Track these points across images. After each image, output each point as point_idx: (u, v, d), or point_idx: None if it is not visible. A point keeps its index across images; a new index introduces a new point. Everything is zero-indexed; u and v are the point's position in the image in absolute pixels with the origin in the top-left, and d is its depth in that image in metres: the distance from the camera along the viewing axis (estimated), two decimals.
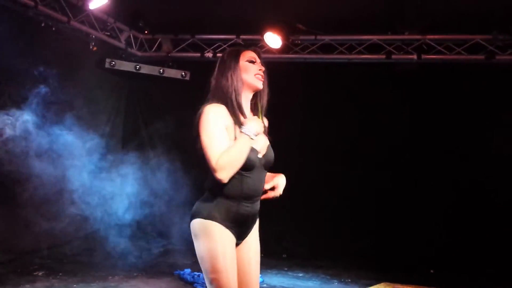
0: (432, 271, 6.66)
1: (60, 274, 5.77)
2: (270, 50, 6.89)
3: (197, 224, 2.47)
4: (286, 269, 6.58)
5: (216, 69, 2.63)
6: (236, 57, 2.61)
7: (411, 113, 7.07)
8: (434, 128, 7.02)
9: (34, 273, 5.71)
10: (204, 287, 5.45)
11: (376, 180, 7.07)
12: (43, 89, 6.27)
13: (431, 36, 6.60)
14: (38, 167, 6.33)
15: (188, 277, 5.76)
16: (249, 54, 2.63)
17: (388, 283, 5.90)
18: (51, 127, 6.48)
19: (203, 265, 2.45)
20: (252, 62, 2.61)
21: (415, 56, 6.62)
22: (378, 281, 5.95)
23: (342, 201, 7.11)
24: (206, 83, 2.63)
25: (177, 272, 6.01)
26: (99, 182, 7.62)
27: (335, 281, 6.10)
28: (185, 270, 6.02)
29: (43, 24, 5.88)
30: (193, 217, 2.50)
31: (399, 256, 6.74)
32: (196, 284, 5.56)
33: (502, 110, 6.75)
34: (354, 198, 7.10)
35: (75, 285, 5.34)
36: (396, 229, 6.91)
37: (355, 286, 5.87)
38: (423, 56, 6.62)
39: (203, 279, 5.72)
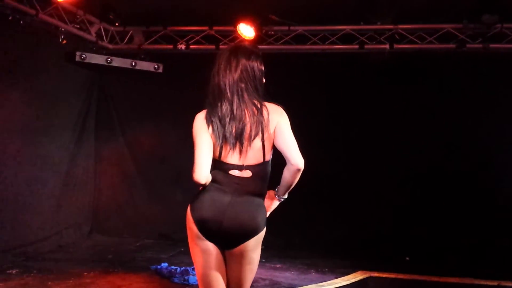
0: (407, 258, 6.75)
1: (35, 271, 5.68)
2: (243, 42, 6.85)
3: (264, 232, 2.55)
4: (263, 260, 6.57)
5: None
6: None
7: (385, 101, 7.13)
8: (407, 116, 7.09)
9: (8, 271, 5.61)
10: (181, 280, 5.43)
11: (349, 170, 7.12)
12: (11, 85, 6.15)
13: (403, 26, 6.64)
14: (10, 164, 6.22)
15: (165, 271, 5.72)
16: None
17: (364, 271, 5.96)
18: (20, 125, 6.36)
19: (254, 272, 2.57)
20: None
21: (387, 46, 6.67)
22: (354, 270, 6.02)
23: (318, 191, 7.13)
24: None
25: (154, 266, 5.96)
26: (73, 178, 7.53)
27: (312, 270, 6.14)
28: (162, 264, 5.98)
29: (10, 18, 5.72)
30: (264, 225, 2.55)
31: (375, 244, 6.82)
32: (173, 278, 5.52)
33: (473, 97, 6.86)
34: (329, 188, 7.14)
35: (50, 282, 5.27)
36: (372, 217, 6.98)
37: (332, 275, 5.91)
38: (395, 46, 6.66)
39: (181, 273, 5.71)
